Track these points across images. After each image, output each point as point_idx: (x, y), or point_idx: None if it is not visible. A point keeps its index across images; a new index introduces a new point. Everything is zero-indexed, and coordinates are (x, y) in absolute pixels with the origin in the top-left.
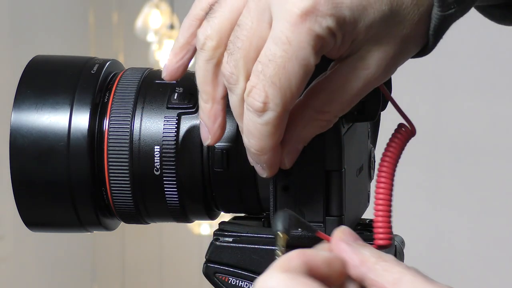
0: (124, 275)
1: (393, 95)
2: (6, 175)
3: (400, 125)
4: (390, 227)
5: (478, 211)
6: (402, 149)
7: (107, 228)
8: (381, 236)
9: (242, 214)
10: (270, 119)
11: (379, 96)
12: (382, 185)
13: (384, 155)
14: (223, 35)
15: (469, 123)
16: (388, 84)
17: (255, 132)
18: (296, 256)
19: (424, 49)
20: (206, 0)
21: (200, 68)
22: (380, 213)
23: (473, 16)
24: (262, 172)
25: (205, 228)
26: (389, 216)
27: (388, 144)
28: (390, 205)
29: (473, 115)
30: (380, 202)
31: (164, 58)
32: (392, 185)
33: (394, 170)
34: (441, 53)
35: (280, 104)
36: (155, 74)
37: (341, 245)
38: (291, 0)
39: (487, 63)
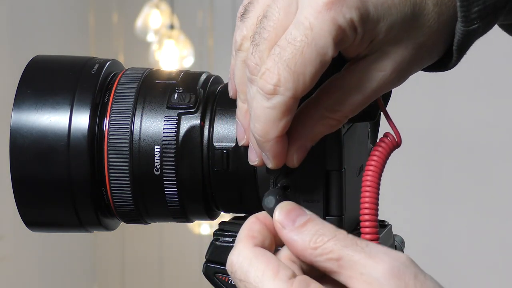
0: (124, 275)
1: (394, 93)
2: (6, 175)
3: (386, 134)
4: (378, 239)
5: (478, 211)
6: (387, 158)
7: (107, 228)
8: None
9: (242, 214)
10: (278, 103)
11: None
12: (367, 199)
13: (368, 164)
14: None
15: (469, 123)
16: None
17: (261, 115)
18: (255, 222)
19: (447, 64)
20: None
21: (238, 69)
22: (367, 220)
23: None
24: (268, 162)
25: (205, 228)
26: (376, 221)
27: (371, 154)
28: (376, 214)
29: (474, 115)
30: (367, 211)
31: (164, 58)
32: (377, 198)
33: (379, 179)
34: None
35: (291, 89)
36: (155, 74)
37: (281, 233)
38: None
39: (488, 62)
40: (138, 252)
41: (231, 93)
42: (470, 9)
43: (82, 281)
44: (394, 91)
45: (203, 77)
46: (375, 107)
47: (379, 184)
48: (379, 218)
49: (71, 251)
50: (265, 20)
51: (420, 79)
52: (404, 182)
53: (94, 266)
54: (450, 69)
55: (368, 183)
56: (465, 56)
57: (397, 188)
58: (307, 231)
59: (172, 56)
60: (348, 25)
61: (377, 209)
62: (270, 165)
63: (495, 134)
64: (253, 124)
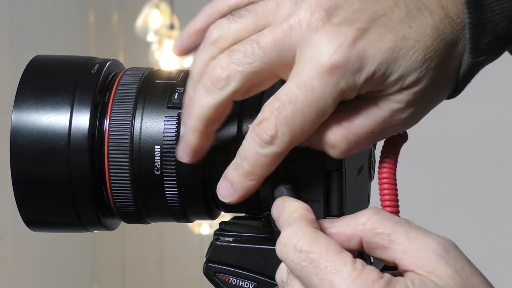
0: (124, 275)
1: None
2: (7, 175)
3: None
4: None
5: (481, 212)
6: (398, 153)
7: (108, 228)
8: None
9: (242, 214)
10: (272, 153)
11: None
12: (386, 191)
13: (381, 162)
14: (237, 42)
15: (471, 125)
16: None
17: (252, 158)
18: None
19: (453, 92)
20: (235, 0)
21: (202, 61)
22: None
23: None
24: (229, 194)
25: (205, 228)
26: (397, 212)
27: (382, 151)
28: (397, 205)
29: (476, 116)
30: (387, 204)
31: (164, 58)
32: (396, 189)
33: (395, 174)
34: None
35: (287, 142)
36: (155, 74)
37: (327, 231)
38: (324, 50)
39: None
40: (138, 252)
41: (174, 49)
42: (480, 41)
43: (82, 281)
44: None
45: None
46: None
47: (395, 179)
48: None
49: (71, 251)
50: (257, 46)
51: None
52: (407, 184)
53: (94, 266)
54: (454, 97)
55: (385, 177)
56: None
57: (400, 190)
58: (347, 218)
59: (172, 56)
60: (350, 88)
61: (397, 198)
62: (228, 199)
63: (498, 135)
64: (241, 161)
